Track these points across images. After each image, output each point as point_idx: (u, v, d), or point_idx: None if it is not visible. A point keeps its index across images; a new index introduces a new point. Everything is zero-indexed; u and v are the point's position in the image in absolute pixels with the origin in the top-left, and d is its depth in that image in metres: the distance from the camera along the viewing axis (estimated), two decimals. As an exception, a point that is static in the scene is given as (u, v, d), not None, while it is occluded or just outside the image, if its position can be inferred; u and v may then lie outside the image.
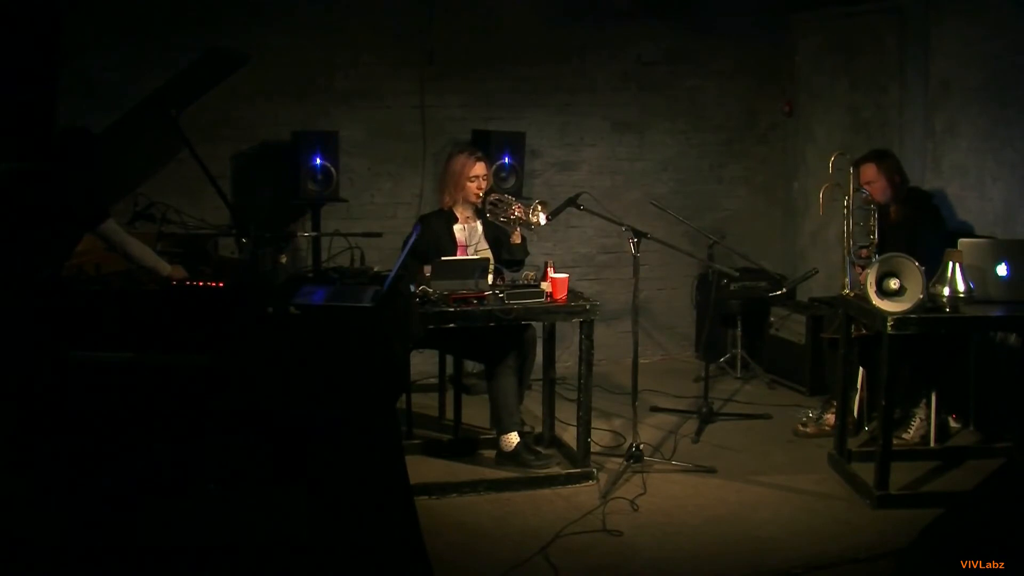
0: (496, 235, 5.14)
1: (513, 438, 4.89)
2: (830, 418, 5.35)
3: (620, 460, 4.95)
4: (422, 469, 4.81)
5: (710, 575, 3.94)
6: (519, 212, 4.95)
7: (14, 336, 3.81)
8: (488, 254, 5.11)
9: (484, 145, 5.95)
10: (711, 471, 4.94)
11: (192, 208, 4.84)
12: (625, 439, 5.26)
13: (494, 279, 4.96)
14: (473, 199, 5.07)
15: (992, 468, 4.18)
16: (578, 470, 4.81)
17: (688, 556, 4.07)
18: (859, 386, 5.35)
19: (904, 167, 5.52)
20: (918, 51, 6.02)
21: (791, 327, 6.39)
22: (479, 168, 5.06)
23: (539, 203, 4.94)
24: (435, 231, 5.04)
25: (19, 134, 5.30)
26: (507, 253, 5.13)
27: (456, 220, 5.09)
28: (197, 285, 4.17)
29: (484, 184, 5.07)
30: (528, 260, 5.24)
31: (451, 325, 4.56)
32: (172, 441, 3.85)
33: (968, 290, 4.50)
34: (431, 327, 4.51)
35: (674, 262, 6.91)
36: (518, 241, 5.09)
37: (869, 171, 5.14)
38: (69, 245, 4.14)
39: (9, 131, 5.27)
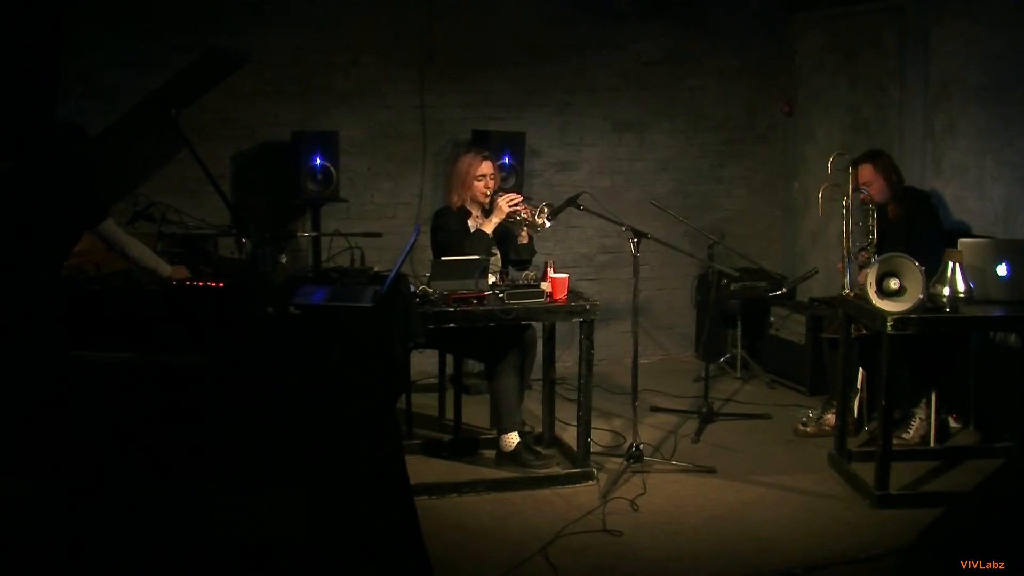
0: (503, 234, 5.13)
1: (513, 438, 4.90)
2: (830, 418, 5.35)
3: (620, 460, 4.95)
4: (422, 469, 4.81)
5: (710, 575, 3.94)
6: (525, 213, 4.96)
7: (14, 336, 3.81)
8: (497, 252, 5.13)
9: (484, 145, 5.95)
10: (711, 471, 4.94)
11: (192, 208, 4.84)
12: (625, 439, 5.26)
13: (500, 279, 4.97)
14: (481, 198, 5.07)
15: (992, 468, 4.20)
16: (578, 470, 4.81)
17: (688, 556, 4.07)
18: (859, 386, 5.36)
19: (904, 167, 5.53)
20: (918, 51, 6.02)
21: (791, 327, 6.40)
22: (486, 167, 5.06)
23: (545, 205, 4.94)
24: (454, 224, 5.03)
25: (19, 134, 5.29)
26: (514, 253, 5.12)
27: (469, 214, 5.09)
28: (197, 285, 4.17)
29: (492, 183, 5.07)
30: (528, 259, 5.25)
31: (451, 325, 4.56)
32: (172, 441, 3.84)
33: (968, 290, 4.50)
34: (431, 327, 4.51)
35: (674, 262, 6.91)
36: (525, 241, 5.09)
37: (866, 172, 5.15)
38: (67, 245, 4.14)
39: (9, 131, 5.26)
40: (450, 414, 5.44)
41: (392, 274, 4.40)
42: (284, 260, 4.95)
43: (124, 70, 5.81)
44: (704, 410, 5.71)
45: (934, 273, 4.52)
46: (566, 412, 5.28)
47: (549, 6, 6.70)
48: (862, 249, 4.99)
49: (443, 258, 4.80)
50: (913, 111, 6.09)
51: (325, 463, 3.77)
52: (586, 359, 4.78)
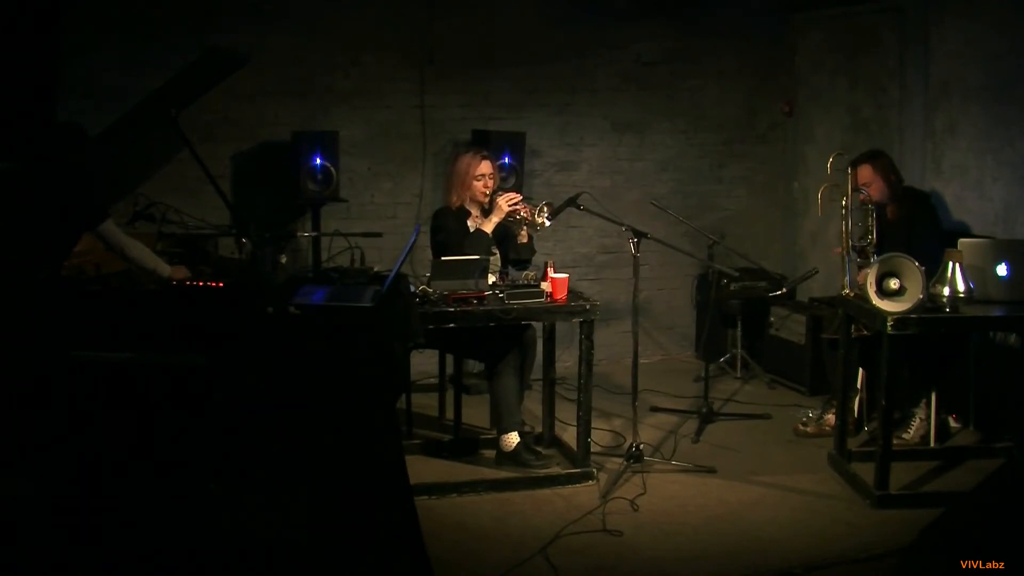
0: (503, 234, 5.13)
1: (513, 438, 4.89)
2: (830, 418, 5.35)
3: (620, 460, 4.95)
4: (422, 469, 4.81)
5: (710, 575, 3.94)
6: (525, 213, 4.96)
7: (14, 336, 3.81)
8: (497, 252, 5.12)
9: (484, 145, 5.95)
10: (711, 471, 4.94)
11: (192, 208, 4.84)
12: (625, 439, 5.26)
13: (500, 279, 4.97)
14: (480, 198, 5.07)
15: (992, 468, 4.19)
16: (578, 470, 4.82)
17: (688, 556, 4.07)
18: (859, 386, 5.36)
19: (904, 167, 5.53)
20: (918, 51, 6.02)
21: (791, 327, 6.39)
22: (485, 167, 5.06)
23: (545, 204, 4.94)
24: (453, 224, 5.03)
25: (19, 134, 5.30)
26: (514, 252, 5.12)
27: (469, 214, 5.09)
28: (197, 285, 4.17)
29: (491, 183, 5.06)
30: (528, 259, 5.25)
31: (451, 325, 4.56)
32: (172, 441, 3.84)
33: (968, 290, 4.50)
34: (431, 327, 4.51)
35: (674, 262, 6.91)
36: (525, 240, 5.09)
37: (865, 172, 5.15)
38: (67, 245, 4.14)
39: (9, 131, 5.27)
40: (450, 414, 5.44)
41: (392, 274, 4.40)
42: (284, 260, 4.96)
43: (124, 70, 5.80)
44: (704, 410, 5.70)
45: (934, 273, 4.53)
46: (566, 412, 5.28)
47: (549, 6, 6.70)
48: (861, 248, 4.98)
49: (443, 258, 4.80)
50: (913, 111, 6.08)
51: (325, 463, 3.77)
52: (586, 359, 4.78)
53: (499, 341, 4.93)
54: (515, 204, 4.98)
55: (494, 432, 5.05)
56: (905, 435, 5.22)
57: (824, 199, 5.12)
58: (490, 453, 5.02)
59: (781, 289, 6.25)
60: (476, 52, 6.59)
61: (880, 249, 4.91)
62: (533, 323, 5.07)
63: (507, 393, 4.90)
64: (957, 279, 4.50)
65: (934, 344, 5.00)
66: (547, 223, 4.93)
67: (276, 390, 3.87)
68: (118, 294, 4.09)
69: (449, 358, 5.63)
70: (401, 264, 4.47)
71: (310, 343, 4.04)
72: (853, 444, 5.10)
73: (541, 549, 4.07)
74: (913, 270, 4.37)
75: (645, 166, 7.04)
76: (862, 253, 4.95)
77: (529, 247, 5.13)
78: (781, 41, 7.14)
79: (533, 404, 5.56)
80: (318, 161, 5.92)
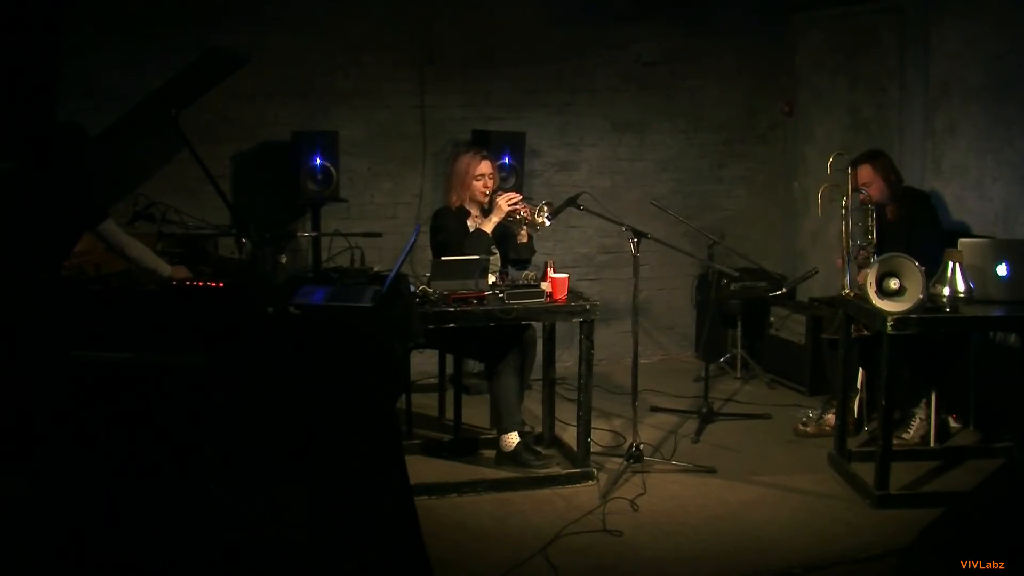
0: (503, 233, 5.13)
1: (513, 438, 4.90)
2: (830, 418, 5.35)
3: (620, 460, 4.95)
4: (422, 469, 4.81)
5: (710, 575, 3.94)
6: (525, 212, 4.96)
7: (14, 336, 3.81)
8: (496, 251, 5.13)
9: (484, 145, 5.95)
10: (711, 471, 4.94)
11: (192, 208, 4.84)
12: (625, 439, 5.26)
13: (500, 279, 4.97)
14: (480, 198, 5.07)
15: (992, 468, 4.19)
16: (578, 470, 4.82)
17: (688, 556, 4.07)
18: (859, 386, 5.36)
19: (904, 167, 5.53)
20: (918, 51, 6.02)
21: (791, 327, 6.40)
22: (485, 167, 5.06)
23: (545, 203, 4.94)
24: (453, 224, 5.03)
25: (19, 134, 5.29)
26: (514, 252, 5.13)
27: (468, 215, 5.09)
28: (197, 285, 4.17)
29: (490, 183, 5.07)
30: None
31: (451, 325, 4.56)
32: (173, 441, 3.84)
33: (968, 290, 4.50)
34: (431, 327, 4.51)
35: (674, 262, 6.91)
36: (525, 240, 5.09)
37: (865, 172, 5.15)
38: (67, 245, 4.14)
39: (9, 131, 5.26)
40: (450, 414, 5.44)
41: (392, 274, 4.40)
42: (284, 260, 4.95)
43: (124, 70, 5.80)
44: (704, 410, 5.71)
45: (934, 273, 4.53)
46: (566, 412, 5.28)
47: (549, 6, 6.70)
48: (861, 248, 4.99)
49: (443, 258, 4.80)
50: (913, 111, 6.09)
51: (325, 463, 3.77)
52: (586, 359, 4.78)
53: (499, 341, 4.93)
54: (515, 204, 4.98)
55: (494, 432, 5.05)
56: (905, 435, 5.22)
57: (824, 199, 5.12)
58: (490, 453, 5.03)
59: (781, 289, 6.25)
60: (476, 52, 6.59)
61: (880, 249, 4.91)
62: (533, 323, 5.07)
63: (507, 393, 4.90)
64: (957, 279, 4.50)
65: (934, 344, 5.00)
66: (547, 223, 4.93)
67: (276, 390, 3.87)
68: (118, 294, 4.09)
69: (449, 358, 5.63)
70: (401, 264, 4.47)
71: (310, 343, 4.04)
72: (853, 444, 5.10)
73: (541, 549, 4.08)
74: (913, 270, 4.37)
75: (645, 166, 7.04)
76: (863, 263, 4.93)
77: (529, 247, 5.13)
78: (781, 41, 7.14)
79: (533, 404, 5.56)
80: (318, 161, 5.92)
